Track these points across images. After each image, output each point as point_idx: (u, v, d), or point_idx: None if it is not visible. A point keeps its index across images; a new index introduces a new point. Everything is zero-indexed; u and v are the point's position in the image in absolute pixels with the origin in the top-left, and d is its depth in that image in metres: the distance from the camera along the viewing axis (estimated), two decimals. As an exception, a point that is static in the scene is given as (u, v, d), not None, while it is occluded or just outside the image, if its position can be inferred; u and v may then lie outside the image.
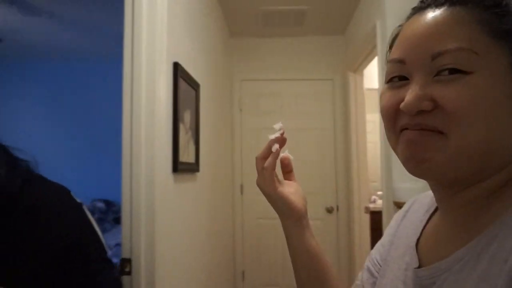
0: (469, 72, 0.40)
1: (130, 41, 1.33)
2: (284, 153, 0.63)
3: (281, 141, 0.59)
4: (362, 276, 0.61)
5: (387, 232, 0.61)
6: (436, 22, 0.42)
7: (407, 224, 0.56)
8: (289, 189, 0.60)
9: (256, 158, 0.60)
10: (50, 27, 3.53)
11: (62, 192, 0.99)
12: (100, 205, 4.12)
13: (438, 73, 0.41)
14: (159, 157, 1.36)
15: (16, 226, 0.86)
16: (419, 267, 0.47)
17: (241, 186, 3.45)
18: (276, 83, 3.50)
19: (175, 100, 1.52)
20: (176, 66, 1.53)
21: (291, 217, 0.59)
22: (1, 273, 0.83)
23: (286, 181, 0.63)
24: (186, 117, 1.70)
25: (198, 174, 1.92)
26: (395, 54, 0.45)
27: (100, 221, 3.98)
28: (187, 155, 1.69)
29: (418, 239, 0.51)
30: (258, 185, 0.60)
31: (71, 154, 4.37)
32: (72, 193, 1.02)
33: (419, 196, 0.61)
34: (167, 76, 1.44)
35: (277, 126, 0.60)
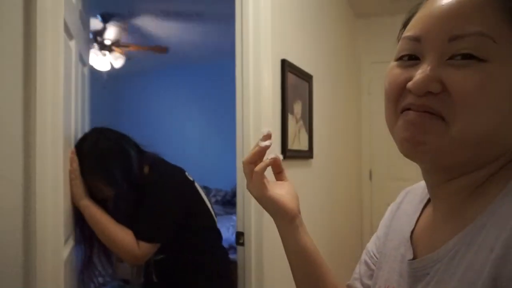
0: (483, 60, 0.38)
1: (240, 44, 1.53)
2: (274, 154, 0.60)
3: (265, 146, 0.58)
4: (359, 269, 0.62)
5: (382, 224, 0.61)
6: (459, 4, 0.40)
7: (402, 215, 0.56)
8: (280, 191, 0.60)
9: (243, 163, 0.58)
10: (199, 34, 4.11)
11: (178, 172, 1.29)
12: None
13: (452, 57, 0.40)
14: (267, 146, 1.53)
15: (147, 196, 1.18)
16: (414, 258, 0.47)
17: (370, 172, 3.39)
18: (408, 63, 3.27)
19: (283, 93, 1.66)
20: (284, 63, 1.66)
21: (284, 218, 0.59)
22: (140, 229, 1.15)
23: (278, 182, 0.63)
24: (297, 107, 1.83)
25: (312, 160, 2.03)
26: (411, 31, 0.44)
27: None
28: (298, 143, 1.83)
29: (413, 231, 0.51)
30: (248, 189, 0.59)
31: (220, 148, 5.03)
32: (187, 173, 1.30)
33: (413, 187, 0.59)
34: (274, 73, 1.59)
35: (265, 130, 0.59)
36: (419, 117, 0.41)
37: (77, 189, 1.10)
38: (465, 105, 0.39)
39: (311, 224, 2.04)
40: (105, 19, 3.44)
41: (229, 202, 4.69)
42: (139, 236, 1.18)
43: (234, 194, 4.70)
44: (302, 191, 1.86)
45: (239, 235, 1.53)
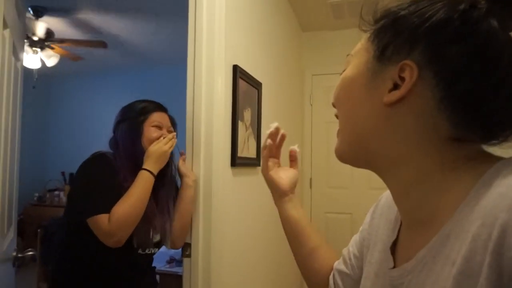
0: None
1: (192, 48, 1.48)
2: (293, 147, 0.80)
3: (281, 136, 0.78)
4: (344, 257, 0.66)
5: (363, 227, 0.63)
6: None
7: (381, 220, 0.57)
8: (281, 174, 0.77)
9: (262, 147, 0.78)
10: (145, 35, 3.94)
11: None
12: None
13: None
14: (217, 152, 1.49)
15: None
16: (394, 267, 0.48)
17: (310, 180, 3.49)
18: (348, 77, 3.44)
19: (234, 100, 1.64)
20: (236, 69, 1.64)
21: (276, 193, 0.76)
22: None
23: (285, 168, 0.80)
24: (246, 115, 1.81)
25: (259, 168, 2.03)
26: None
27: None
28: (246, 151, 1.81)
29: (397, 239, 0.51)
30: (261, 170, 0.78)
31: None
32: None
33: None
34: (226, 79, 1.56)
35: (273, 125, 0.77)
36: None
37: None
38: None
39: (257, 229, 2.04)
40: (37, 14, 3.16)
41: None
42: None
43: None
44: (250, 199, 1.86)
45: (186, 247, 1.46)
